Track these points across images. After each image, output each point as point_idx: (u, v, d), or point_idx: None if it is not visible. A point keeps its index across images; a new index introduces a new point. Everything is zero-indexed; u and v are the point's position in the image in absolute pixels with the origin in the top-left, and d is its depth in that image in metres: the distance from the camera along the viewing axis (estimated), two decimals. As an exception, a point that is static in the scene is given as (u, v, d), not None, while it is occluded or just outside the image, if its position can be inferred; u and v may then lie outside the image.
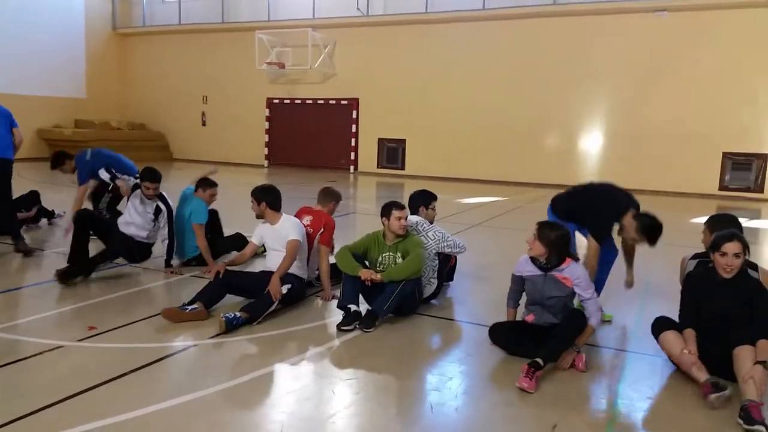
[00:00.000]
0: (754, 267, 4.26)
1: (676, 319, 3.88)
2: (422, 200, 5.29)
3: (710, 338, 3.67)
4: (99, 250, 5.77)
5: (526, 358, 3.76)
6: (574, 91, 16.42)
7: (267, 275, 4.77)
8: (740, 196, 14.94)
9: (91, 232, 6.02)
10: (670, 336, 3.73)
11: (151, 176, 5.91)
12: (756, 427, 3.03)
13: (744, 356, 3.40)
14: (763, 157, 14.91)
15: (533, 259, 4.06)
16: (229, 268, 4.95)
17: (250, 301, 4.67)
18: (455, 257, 5.55)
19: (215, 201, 6.40)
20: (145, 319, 4.56)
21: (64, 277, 5.30)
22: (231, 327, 4.29)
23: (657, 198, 14.85)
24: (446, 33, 17.66)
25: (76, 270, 5.46)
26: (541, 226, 4.03)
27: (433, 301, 5.16)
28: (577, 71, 16.28)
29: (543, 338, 3.84)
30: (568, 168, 16.65)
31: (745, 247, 3.67)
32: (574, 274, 3.97)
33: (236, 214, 7.71)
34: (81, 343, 4.01)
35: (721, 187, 15.31)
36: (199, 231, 5.91)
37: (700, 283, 3.84)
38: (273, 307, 4.59)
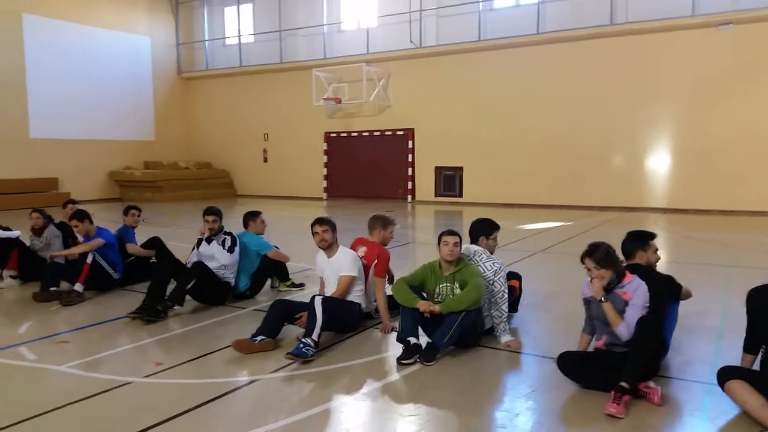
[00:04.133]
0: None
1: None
2: (482, 230, 5.15)
3: None
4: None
5: (599, 391, 3.59)
6: (636, 111, 15.94)
7: None
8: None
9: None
10: (734, 385, 3.44)
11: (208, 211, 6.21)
12: None
13: None
14: None
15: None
16: (286, 299, 5.01)
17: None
18: (520, 287, 5.39)
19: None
20: (213, 352, 4.64)
21: (153, 313, 5.44)
22: (303, 355, 4.32)
23: (730, 218, 14.11)
24: (500, 59, 17.60)
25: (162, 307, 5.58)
26: (593, 251, 3.89)
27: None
28: (638, 90, 15.82)
29: (617, 368, 3.64)
30: (633, 189, 16.12)
31: None
32: (632, 287, 3.84)
33: (295, 246, 7.80)
34: (148, 379, 4.10)
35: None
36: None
37: (762, 300, 3.64)
38: (320, 320, 4.51)
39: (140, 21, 22.13)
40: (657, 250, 4.51)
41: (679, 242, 10.86)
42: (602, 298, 3.84)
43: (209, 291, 5.94)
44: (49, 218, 7.52)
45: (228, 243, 6.11)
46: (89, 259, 6.40)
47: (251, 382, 4.09)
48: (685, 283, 4.51)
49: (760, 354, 3.73)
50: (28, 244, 7.44)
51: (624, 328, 3.77)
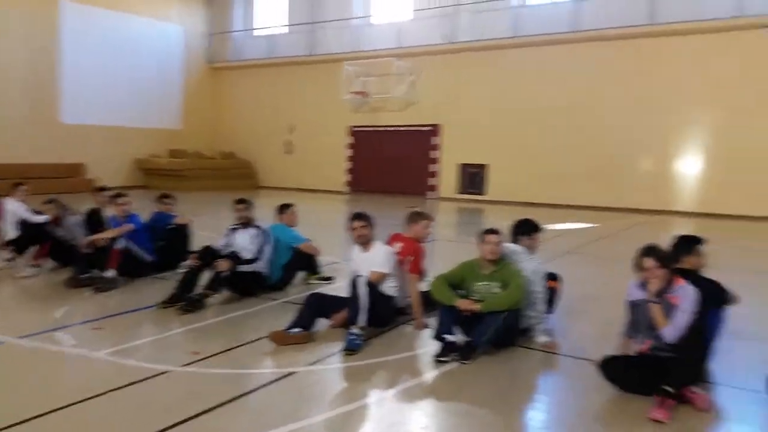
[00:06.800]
0: None
1: None
2: (524, 230, 5.10)
3: None
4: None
5: (642, 396, 3.53)
6: (668, 114, 15.66)
7: None
8: None
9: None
10: None
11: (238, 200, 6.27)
12: None
13: None
14: None
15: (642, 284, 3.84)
16: (321, 292, 5.01)
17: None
18: (559, 288, 5.32)
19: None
20: (247, 343, 4.64)
21: (192, 303, 5.46)
22: (356, 346, 4.38)
23: (761, 224, 13.82)
24: (532, 57, 17.39)
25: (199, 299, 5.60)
26: (652, 251, 3.80)
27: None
28: (672, 92, 15.53)
29: (660, 372, 3.58)
30: (661, 193, 15.87)
31: None
32: (681, 292, 3.76)
33: (322, 239, 7.79)
34: (186, 368, 4.11)
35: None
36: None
37: None
38: (366, 303, 4.54)
39: (173, 9, 22.31)
40: (704, 255, 4.41)
41: (717, 247, 10.65)
42: (655, 300, 3.76)
43: (243, 282, 5.95)
44: (63, 207, 7.50)
45: (256, 236, 6.09)
46: (120, 245, 6.43)
47: (288, 374, 4.08)
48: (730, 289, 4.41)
49: None
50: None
51: (671, 331, 3.69)
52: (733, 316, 4.56)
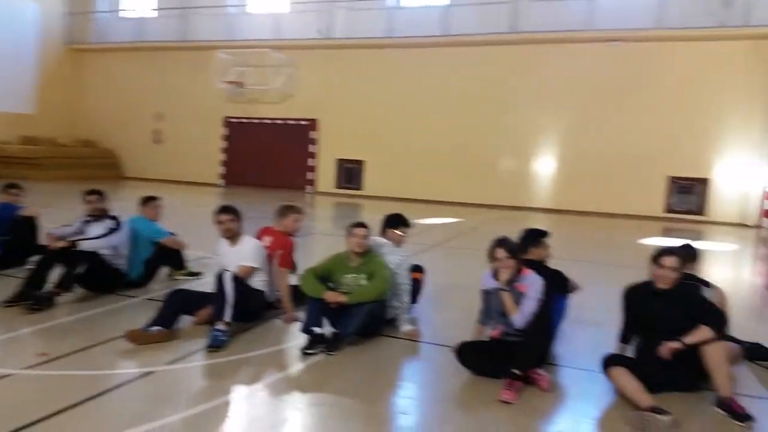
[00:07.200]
0: (708, 284, 4.44)
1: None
2: (391, 223, 5.26)
3: (651, 348, 3.81)
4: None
5: (495, 378, 3.79)
6: (527, 116, 16.86)
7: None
8: (684, 219, 15.53)
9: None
10: (615, 371, 3.75)
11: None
12: (750, 423, 3.40)
13: (708, 354, 3.61)
14: (705, 182, 15.58)
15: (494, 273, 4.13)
16: (184, 288, 4.93)
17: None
18: (423, 280, 5.55)
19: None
20: (102, 343, 4.38)
21: (39, 300, 5.04)
22: (221, 343, 4.28)
23: (606, 220, 15.29)
24: (406, 57, 17.91)
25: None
26: (503, 243, 4.09)
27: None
28: (532, 97, 16.73)
29: (510, 356, 3.86)
30: (521, 190, 17.03)
31: (683, 263, 3.92)
32: (528, 281, 4.09)
33: (192, 232, 7.53)
34: (31, 371, 3.79)
35: (667, 210, 15.89)
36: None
37: (635, 296, 4.07)
38: (232, 299, 4.45)
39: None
40: (548, 247, 4.81)
41: (561, 241, 11.59)
42: (505, 288, 4.04)
43: (99, 278, 5.58)
44: None
45: (108, 227, 5.75)
46: None
47: (146, 374, 3.91)
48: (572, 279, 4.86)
49: (634, 343, 4.12)
50: None
51: (519, 317, 4.00)
52: (575, 303, 5.03)
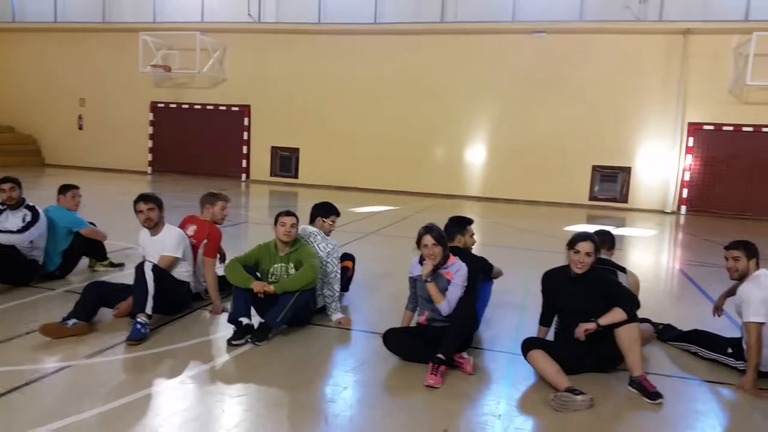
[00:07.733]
0: (623, 270, 4.66)
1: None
2: (320, 212, 5.23)
3: (569, 331, 3.98)
4: None
5: (421, 363, 3.86)
6: (459, 106, 17.09)
7: None
8: (607, 206, 16.25)
9: None
10: (534, 354, 3.88)
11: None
12: (660, 401, 3.60)
13: (622, 335, 3.80)
14: (628, 171, 16.33)
15: (421, 260, 4.20)
16: (103, 280, 4.71)
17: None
18: (353, 268, 5.57)
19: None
20: (16, 337, 4.18)
21: None
22: (143, 336, 4.20)
23: (533, 207, 15.79)
24: (338, 44, 17.76)
25: None
26: (430, 230, 4.16)
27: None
28: (463, 87, 16.96)
29: (436, 341, 3.94)
30: (454, 179, 17.31)
31: (597, 248, 4.07)
32: (454, 268, 4.17)
33: (116, 221, 7.26)
34: (-69, 370, 3.57)
35: (591, 198, 16.57)
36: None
37: (553, 281, 4.24)
38: (152, 290, 4.34)
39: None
40: (473, 234, 4.93)
41: (491, 228, 11.94)
42: (428, 279, 4.12)
43: (12, 270, 5.31)
44: None
45: (27, 219, 5.48)
46: None
47: (61, 368, 3.75)
48: (497, 265, 5.00)
49: (554, 326, 4.30)
50: None
51: (445, 305, 4.09)
52: (498, 288, 5.19)
